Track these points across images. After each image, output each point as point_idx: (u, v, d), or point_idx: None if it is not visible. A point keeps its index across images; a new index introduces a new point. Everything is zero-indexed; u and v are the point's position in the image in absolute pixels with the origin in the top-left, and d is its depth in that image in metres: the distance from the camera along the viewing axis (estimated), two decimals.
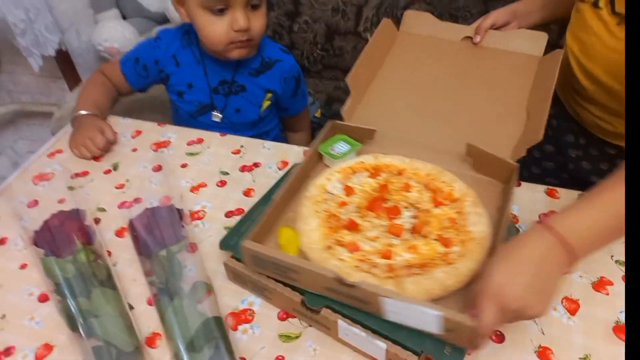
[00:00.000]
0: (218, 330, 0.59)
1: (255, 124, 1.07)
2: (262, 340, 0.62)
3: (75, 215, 0.73)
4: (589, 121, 0.89)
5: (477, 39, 0.93)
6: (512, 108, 0.83)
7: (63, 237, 0.69)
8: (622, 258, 0.69)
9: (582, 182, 0.92)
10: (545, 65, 0.86)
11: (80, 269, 0.65)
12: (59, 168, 0.90)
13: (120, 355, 0.58)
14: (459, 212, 0.69)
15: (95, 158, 0.92)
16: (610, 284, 0.67)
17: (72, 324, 0.61)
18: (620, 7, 0.75)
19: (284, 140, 1.19)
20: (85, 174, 0.89)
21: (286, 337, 0.62)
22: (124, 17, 1.76)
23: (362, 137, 0.81)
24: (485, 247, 0.63)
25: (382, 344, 0.56)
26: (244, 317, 0.65)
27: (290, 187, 0.72)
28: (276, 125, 1.14)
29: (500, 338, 0.61)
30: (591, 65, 0.81)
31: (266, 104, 1.05)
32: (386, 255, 0.62)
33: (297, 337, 0.62)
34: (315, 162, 0.81)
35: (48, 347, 0.62)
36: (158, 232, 0.70)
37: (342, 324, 0.58)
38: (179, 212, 0.74)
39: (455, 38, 0.96)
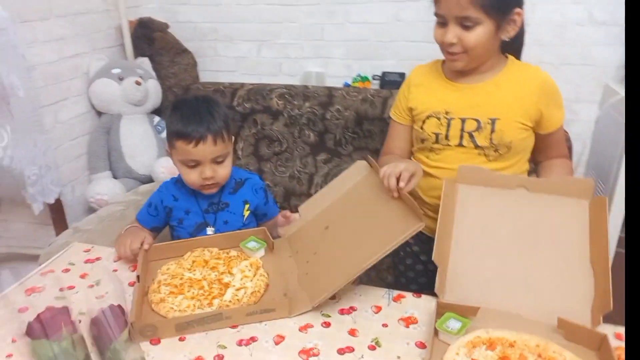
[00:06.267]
0: None
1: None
2: None
3: (64, 311, 0.90)
4: None
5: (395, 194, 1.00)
6: (577, 263, 0.95)
7: (52, 325, 0.85)
8: None
9: None
10: (595, 211, 0.99)
11: (65, 351, 0.82)
12: (50, 283, 1.09)
13: None
14: None
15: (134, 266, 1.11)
16: None
17: None
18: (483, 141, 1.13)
19: None
20: (71, 287, 1.07)
21: None
22: (115, 178, 2.09)
23: (467, 313, 0.91)
24: None
25: None
26: None
27: None
28: None
29: None
30: None
31: (247, 213, 1.33)
32: None
33: None
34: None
35: None
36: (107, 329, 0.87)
37: None
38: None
39: (509, 186, 1.06)
